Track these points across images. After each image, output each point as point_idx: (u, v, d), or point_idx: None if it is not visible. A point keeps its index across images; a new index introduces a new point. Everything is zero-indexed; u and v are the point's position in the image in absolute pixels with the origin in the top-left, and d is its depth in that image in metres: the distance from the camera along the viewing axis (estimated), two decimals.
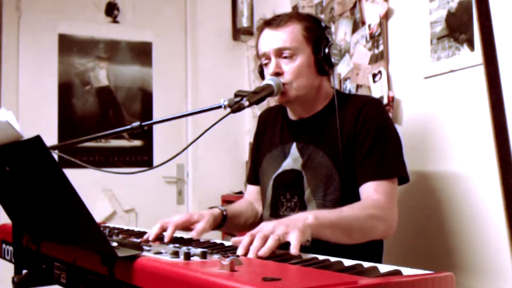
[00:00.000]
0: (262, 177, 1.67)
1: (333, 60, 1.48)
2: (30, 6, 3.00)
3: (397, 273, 0.82)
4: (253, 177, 1.75)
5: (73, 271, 1.13)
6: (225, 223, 1.53)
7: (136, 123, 1.48)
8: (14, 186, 1.15)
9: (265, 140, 1.69)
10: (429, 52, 1.81)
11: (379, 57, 2.06)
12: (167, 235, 1.29)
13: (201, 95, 3.30)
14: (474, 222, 1.65)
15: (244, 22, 3.23)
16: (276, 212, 1.57)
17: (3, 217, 1.38)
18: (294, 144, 1.56)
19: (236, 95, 1.39)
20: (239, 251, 1.01)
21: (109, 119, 3.17)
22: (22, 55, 2.98)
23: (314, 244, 1.30)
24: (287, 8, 2.65)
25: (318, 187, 1.48)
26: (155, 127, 3.17)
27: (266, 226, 1.07)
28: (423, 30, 1.84)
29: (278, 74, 1.47)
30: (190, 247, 1.06)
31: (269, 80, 1.45)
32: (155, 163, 3.23)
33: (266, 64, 1.52)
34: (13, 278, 1.32)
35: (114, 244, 0.97)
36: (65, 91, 3.07)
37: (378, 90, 2.05)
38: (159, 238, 1.32)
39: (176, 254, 0.92)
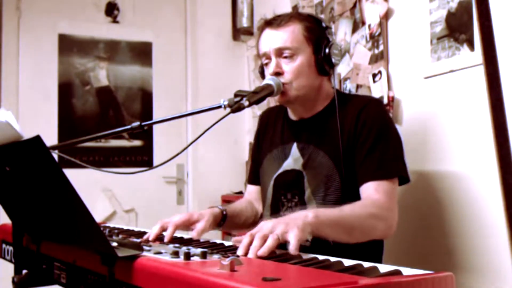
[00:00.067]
0: (262, 177, 1.67)
1: (333, 60, 1.48)
2: (30, 6, 2.99)
3: (397, 273, 0.82)
4: (253, 177, 1.75)
5: (73, 271, 1.13)
6: (225, 222, 1.53)
7: (136, 123, 1.48)
8: (14, 186, 1.15)
9: (265, 140, 1.69)
10: (429, 52, 1.81)
11: (379, 57, 2.06)
12: (167, 235, 1.29)
13: (201, 95, 3.30)
14: (474, 222, 1.64)
15: (244, 22, 3.23)
16: (276, 212, 1.56)
17: (3, 217, 1.38)
18: (295, 144, 1.56)
19: (236, 95, 1.39)
20: (239, 251, 1.01)
21: (109, 119, 3.17)
22: (22, 55, 2.97)
23: (314, 244, 1.29)
24: (287, 8, 2.65)
25: (318, 187, 1.48)
26: (155, 127, 3.17)
27: (265, 225, 1.07)
28: (423, 30, 1.84)
29: (278, 74, 1.46)
30: (190, 247, 1.06)
31: (269, 80, 1.45)
32: (155, 163, 3.23)
33: (266, 64, 1.52)
34: (13, 278, 1.32)
35: (114, 244, 0.97)
36: (65, 91, 3.06)
37: (378, 90, 2.05)
38: (159, 238, 1.31)
39: (176, 254, 0.92)
